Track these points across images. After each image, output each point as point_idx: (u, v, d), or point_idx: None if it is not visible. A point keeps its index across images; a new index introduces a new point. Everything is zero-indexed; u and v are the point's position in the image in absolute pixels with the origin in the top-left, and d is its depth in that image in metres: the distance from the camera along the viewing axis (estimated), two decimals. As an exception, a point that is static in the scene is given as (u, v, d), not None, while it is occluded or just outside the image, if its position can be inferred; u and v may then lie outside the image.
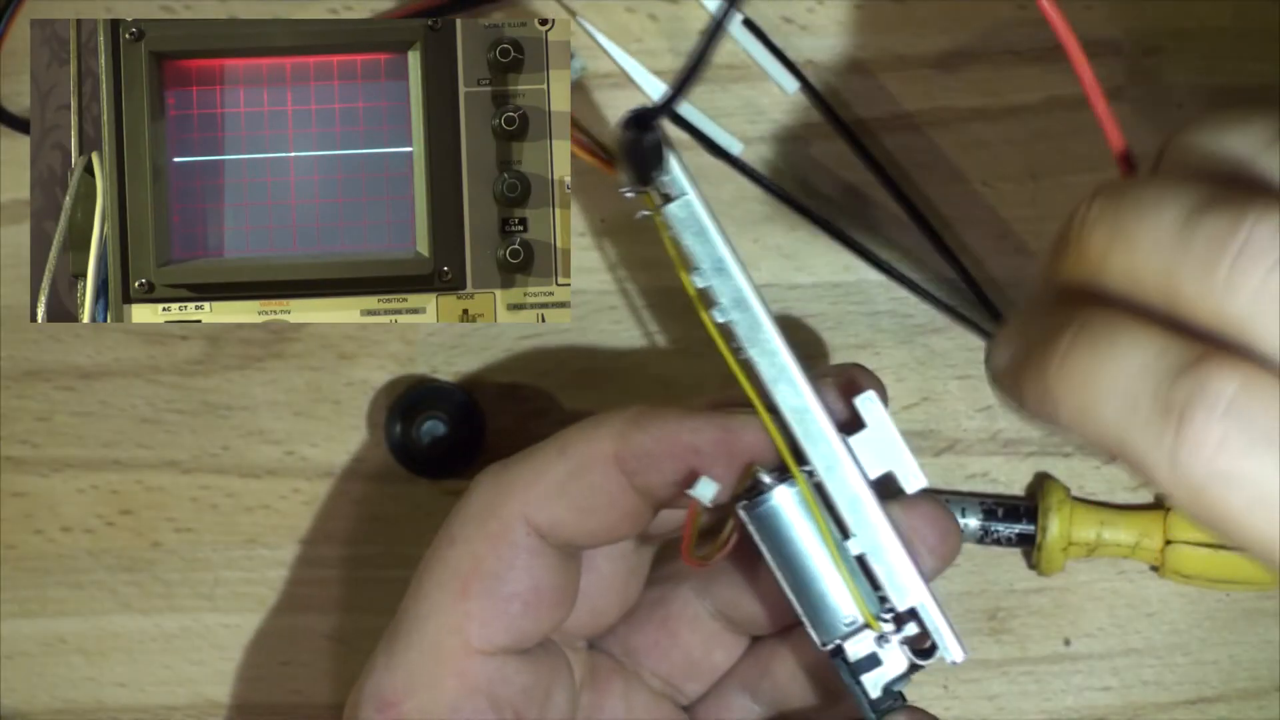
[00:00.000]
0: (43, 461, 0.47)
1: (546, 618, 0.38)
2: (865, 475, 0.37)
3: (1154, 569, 0.46)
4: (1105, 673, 0.47)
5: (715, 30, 0.32)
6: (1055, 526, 0.45)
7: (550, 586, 0.38)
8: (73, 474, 0.47)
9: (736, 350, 0.37)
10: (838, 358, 0.46)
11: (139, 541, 0.47)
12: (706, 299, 0.37)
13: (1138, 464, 0.30)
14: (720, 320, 0.37)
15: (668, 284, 0.47)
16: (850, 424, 0.37)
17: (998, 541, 0.46)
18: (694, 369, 0.46)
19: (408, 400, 0.46)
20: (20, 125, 0.46)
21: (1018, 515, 0.45)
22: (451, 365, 0.47)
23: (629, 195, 0.38)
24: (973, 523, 0.46)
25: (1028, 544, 0.46)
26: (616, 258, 0.46)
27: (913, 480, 0.37)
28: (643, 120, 0.35)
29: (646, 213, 0.38)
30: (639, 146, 0.36)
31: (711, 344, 0.37)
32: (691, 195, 0.37)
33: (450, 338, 0.47)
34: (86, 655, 0.47)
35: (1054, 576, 0.46)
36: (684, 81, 0.33)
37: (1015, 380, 0.32)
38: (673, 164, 0.37)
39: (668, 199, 0.37)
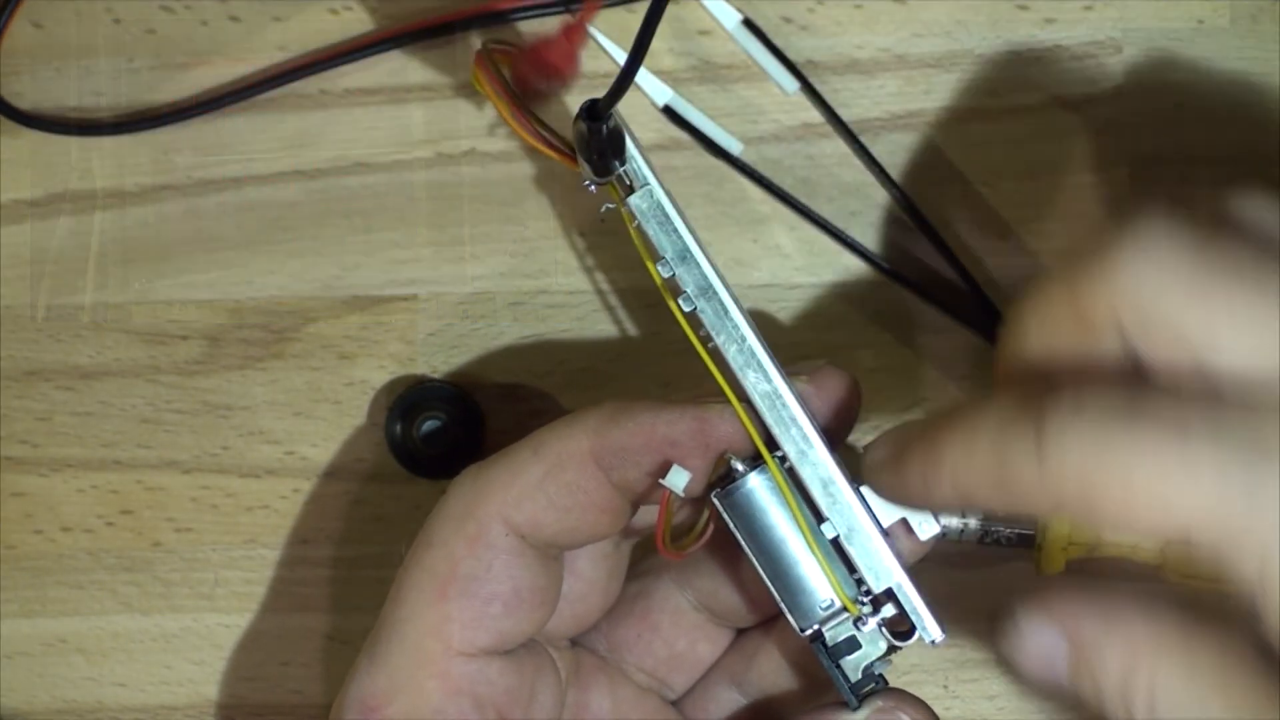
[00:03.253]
0: (43, 461, 0.47)
1: (528, 619, 0.38)
2: (838, 458, 0.37)
3: (1154, 569, 0.46)
4: (1105, 673, 0.47)
5: (655, 11, 0.32)
6: (1055, 526, 0.45)
7: (530, 587, 0.38)
8: (73, 474, 0.47)
9: (705, 339, 0.37)
10: (836, 358, 0.46)
11: (139, 541, 0.47)
12: (673, 288, 0.37)
13: (1015, 490, 0.32)
14: (686, 309, 0.37)
15: (668, 284, 0.47)
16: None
17: (998, 541, 0.46)
18: (694, 369, 0.46)
19: (407, 400, 0.46)
20: (27, 121, 0.46)
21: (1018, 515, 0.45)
22: (451, 365, 0.47)
23: (592, 188, 0.38)
24: (972, 523, 0.45)
25: (1028, 544, 0.46)
26: (616, 257, 0.47)
27: (926, 527, 0.38)
28: (594, 111, 0.35)
29: (611, 205, 0.38)
30: (597, 138, 0.36)
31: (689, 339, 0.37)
32: (653, 184, 0.37)
33: (450, 338, 0.47)
34: (86, 655, 0.47)
35: (1054, 576, 0.46)
36: (629, 70, 0.33)
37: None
38: (633, 154, 0.37)
39: (630, 190, 0.37)
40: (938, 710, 0.38)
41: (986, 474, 0.32)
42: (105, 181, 0.47)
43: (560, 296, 0.47)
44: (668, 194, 0.37)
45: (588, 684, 0.40)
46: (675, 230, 0.37)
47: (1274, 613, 0.30)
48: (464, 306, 0.47)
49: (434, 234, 0.47)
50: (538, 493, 0.37)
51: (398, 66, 0.47)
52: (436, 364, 0.47)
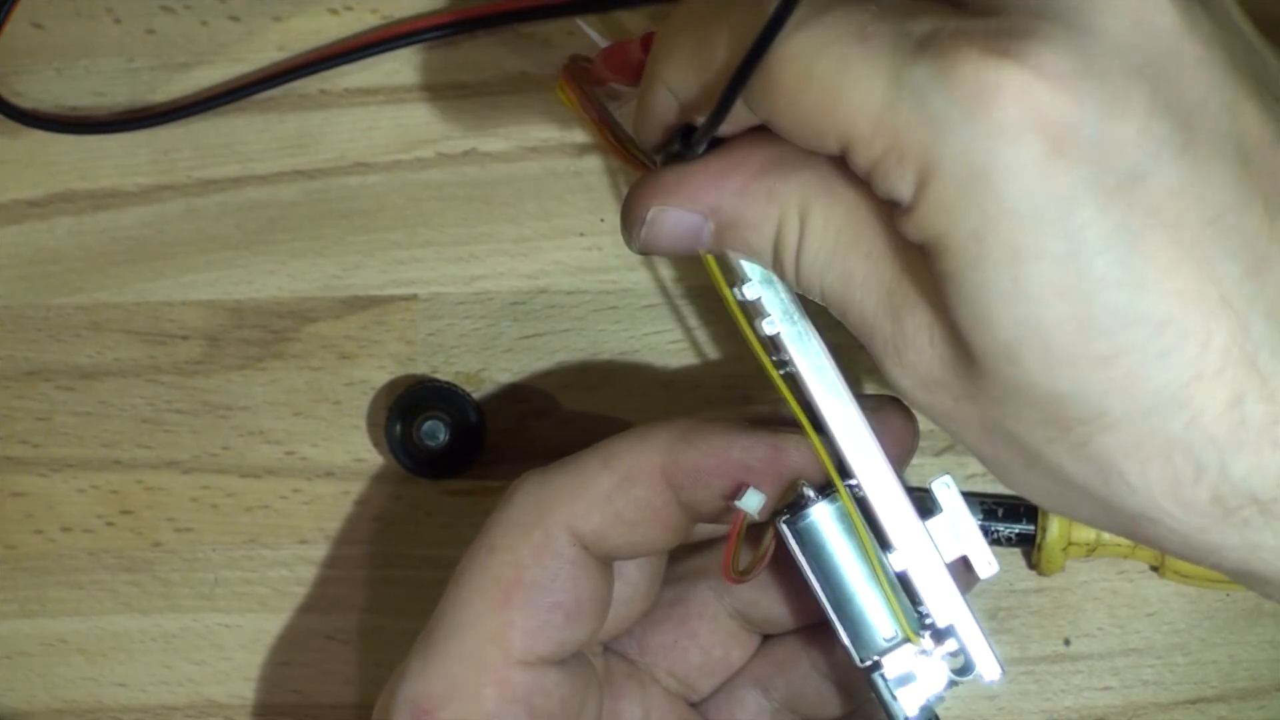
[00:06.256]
0: (43, 461, 0.47)
1: (585, 628, 0.37)
2: (908, 491, 0.36)
3: (1154, 569, 0.46)
4: (1105, 673, 0.47)
5: (774, 26, 0.31)
6: (1055, 526, 0.45)
7: (591, 597, 0.37)
8: (73, 474, 0.47)
9: (781, 363, 0.37)
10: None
11: (139, 541, 0.47)
12: (751, 311, 0.36)
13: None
14: (769, 332, 0.36)
15: (667, 283, 0.47)
16: (924, 508, 0.37)
17: (998, 541, 0.46)
18: (694, 369, 0.46)
19: (408, 400, 0.45)
20: (27, 119, 0.46)
21: (1018, 515, 0.45)
22: (451, 365, 0.47)
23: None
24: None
25: (1028, 544, 0.46)
26: (616, 257, 0.47)
27: (986, 566, 0.37)
28: (688, 139, 0.34)
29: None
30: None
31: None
32: None
33: (450, 338, 0.47)
34: (86, 655, 0.47)
35: (1054, 576, 0.46)
36: (727, 100, 0.32)
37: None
38: None
39: None
40: (937, 710, 0.38)
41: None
42: (105, 181, 0.47)
43: (560, 296, 0.47)
44: None
45: (620, 691, 0.40)
46: None
47: (927, 215, 0.30)
48: (464, 306, 0.47)
49: (434, 234, 0.47)
50: (606, 505, 0.37)
51: (398, 66, 0.47)
52: (436, 364, 0.47)
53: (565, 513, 0.37)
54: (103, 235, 0.47)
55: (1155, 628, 0.47)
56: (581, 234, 0.47)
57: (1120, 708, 0.47)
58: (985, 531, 0.45)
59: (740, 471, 0.36)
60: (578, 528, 0.37)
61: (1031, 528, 0.45)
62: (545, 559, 0.37)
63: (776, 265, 0.34)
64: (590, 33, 0.46)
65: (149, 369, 0.47)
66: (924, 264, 0.31)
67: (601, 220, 0.46)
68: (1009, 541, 0.46)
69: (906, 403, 0.33)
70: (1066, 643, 0.47)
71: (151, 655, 0.47)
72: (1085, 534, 0.45)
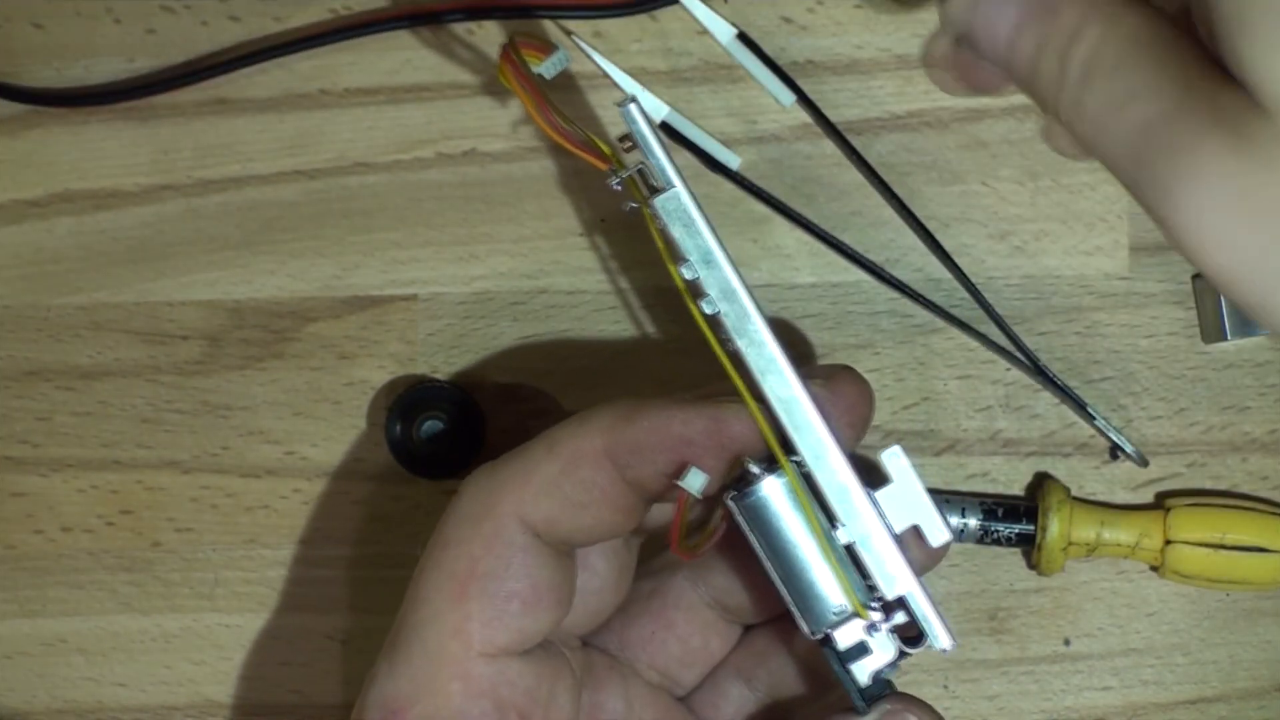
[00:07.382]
0: (43, 461, 0.47)
1: (546, 616, 0.38)
2: (854, 464, 0.37)
3: (1154, 569, 0.46)
4: (1105, 673, 0.47)
5: None
6: (1055, 526, 0.45)
7: (548, 584, 0.38)
8: (73, 474, 0.47)
9: (724, 341, 0.37)
10: (837, 358, 0.46)
11: (139, 541, 0.47)
12: (694, 290, 0.37)
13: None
14: (709, 312, 0.37)
15: (667, 283, 0.46)
16: (875, 479, 0.37)
17: (998, 541, 0.46)
18: (693, 368, 0.46)
19: (407, 400, 0.46)
20: (28, 98, 0.46)
21: (1018, 515, 0.45)
22: (451, 365, 0.47)
23: (617, 187, 0.38)
24: (972, 523, 0.46)
25: (1028, 544, 0.46)
26: (616, 257, 0.47)
27: (938, 534, 0.37)
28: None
29: (634, 205, 0.38)
30: None
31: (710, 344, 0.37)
32: (679, 187, 0.37)
33: (450, 338, 0.47)
34: (86, 655, 0.47)
35: (1054, 576, 0.46)
36: None
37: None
38: (659, 154, 0.37)
39: (655, 190, 0.37)
40: (893, 680, 0.38)
41: None
42: (105, 181, 0.47)
43: (560, 296, 0.47)
44: (693, 196, 0.37)
45: (601, 684, 0.40)
46: (700, 233, 0.37)
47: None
48: (464, 306, 0.47)
49: (434, 234, 0.47)
50: (553, 490, 0.37)
51: (397, 66, 0.47)
52: (436, 364, 0.47)
53: (514, 501, 0.37)
54: (103, 235, 0.47)
55: (1155, 628, 0.47)
56: (581, 234, 0.47)
57: (1120, 708, 0.47)
58: (985, 532, 0.46)
59: (681, 445, 0.37)
60: (527, 515, 0.37)
61: (1031, 528, 0.45)
62: (497, 549, 0.37)
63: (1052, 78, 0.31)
64: (586, 48, 0.46)
65: (149, 369, 0.47)
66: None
67: (602, 220, 0.47)
68: (1009, 541, 0.46)
69: (1200, 238, 0.29)
70: (1066, 643, 0.47)
71: (151, 655, 0.47)
72: (1085, 534, 0.45)
